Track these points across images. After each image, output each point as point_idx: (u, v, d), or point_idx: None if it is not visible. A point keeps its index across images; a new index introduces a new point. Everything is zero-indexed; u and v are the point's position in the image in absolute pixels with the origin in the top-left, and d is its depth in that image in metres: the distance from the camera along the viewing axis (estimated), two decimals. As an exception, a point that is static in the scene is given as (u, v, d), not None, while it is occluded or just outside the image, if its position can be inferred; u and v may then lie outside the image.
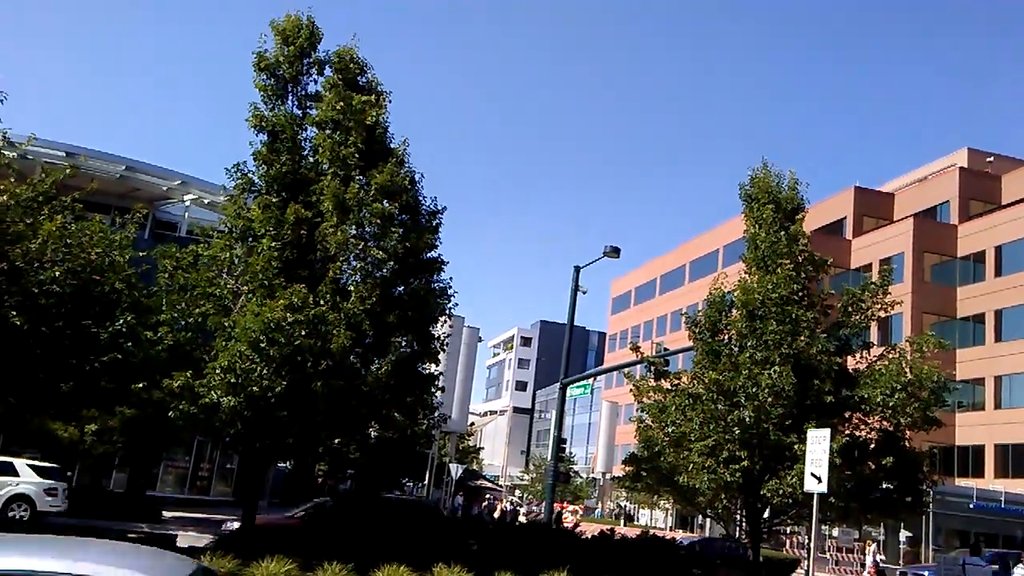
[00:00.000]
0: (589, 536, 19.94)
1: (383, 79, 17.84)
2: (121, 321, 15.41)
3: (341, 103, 16.51)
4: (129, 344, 15.46)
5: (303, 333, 14.07)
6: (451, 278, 17.60)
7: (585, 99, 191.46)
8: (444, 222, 17.67)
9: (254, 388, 13.95)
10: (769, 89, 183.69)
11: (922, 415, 18.57)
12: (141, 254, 17.41)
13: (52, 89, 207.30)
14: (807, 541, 23.45)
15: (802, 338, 18.34)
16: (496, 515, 39.85)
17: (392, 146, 17.30)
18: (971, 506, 40.30)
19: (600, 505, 69.58)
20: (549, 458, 31.72)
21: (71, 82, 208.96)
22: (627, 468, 22.42)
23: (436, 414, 18.54)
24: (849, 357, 20.32)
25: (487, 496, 49.24)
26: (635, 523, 58.54)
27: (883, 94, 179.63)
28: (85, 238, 15.77)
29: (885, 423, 19.12)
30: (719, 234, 68.07)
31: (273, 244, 15.38)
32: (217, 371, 14.13)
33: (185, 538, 18.90)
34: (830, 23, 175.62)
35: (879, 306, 20.09)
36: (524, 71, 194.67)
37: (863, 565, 35.43)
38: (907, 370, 18.75)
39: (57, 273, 14.80)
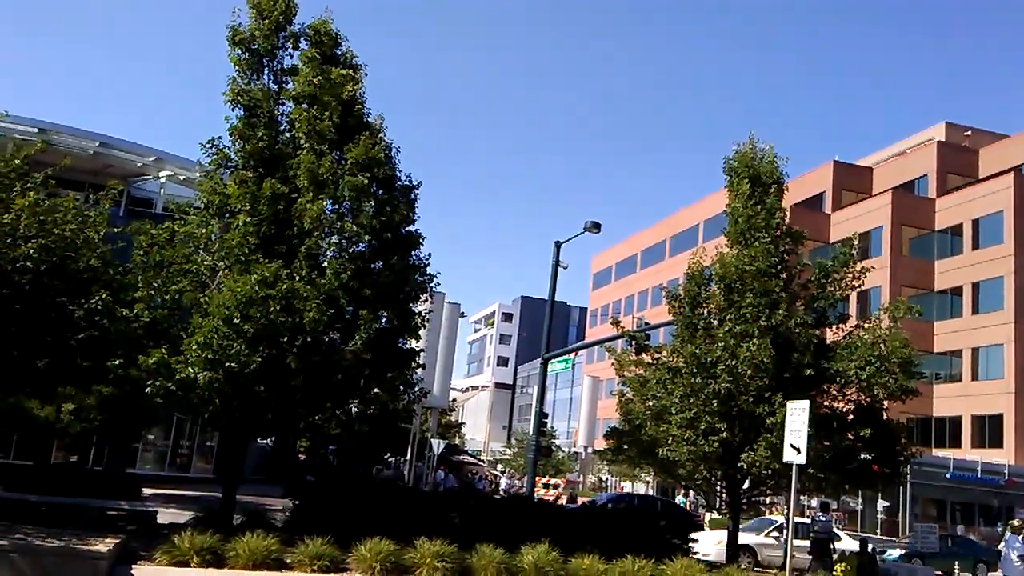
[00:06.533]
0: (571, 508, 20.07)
1: (359, 51, 17.71)
2: (97, 298, 15.17)
3: (318, 77, 16.35)
4: (105, 321, 15.26)
5: (277, 308, 13.98)
6: (430, 254, 17.56)
7: (565, 72, 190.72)
8: (426, 199, 17.65)
9: (231, 364, 13.88)
10: (749, 64, 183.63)
11: (897, 385, 18.73)
12: (116, 231, 17.17)
13: (24, 65, 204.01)
14: (786, 511, 23.71)
15: (780, 311, 18.43)
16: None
17: (369, 120, 17.18)
18: (948, 476, 40.93)
19: (582, 478, 70.08)
20: (531, 432, 31.81)
21: (44, 58, 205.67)
22: (608, 441, 22.59)
23: (417, 389, 18.55)
24: (828, 330, 20.46)
25: (473, 472, 49.45)
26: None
27: (862, 68, 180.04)
28: (59, 214, 15.51)
29: (862, 396, 19.30)
30: (699, 209, 68.15)
31: (249, 220, 15.25)
32: (194, 347, 14.05)
33: (165, 515, 18.86)
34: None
35: (852, 276, 20.16)
36: (503, 44, 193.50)
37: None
38: (881, 344, 18.87)
39: (31, 249, 14.54)
